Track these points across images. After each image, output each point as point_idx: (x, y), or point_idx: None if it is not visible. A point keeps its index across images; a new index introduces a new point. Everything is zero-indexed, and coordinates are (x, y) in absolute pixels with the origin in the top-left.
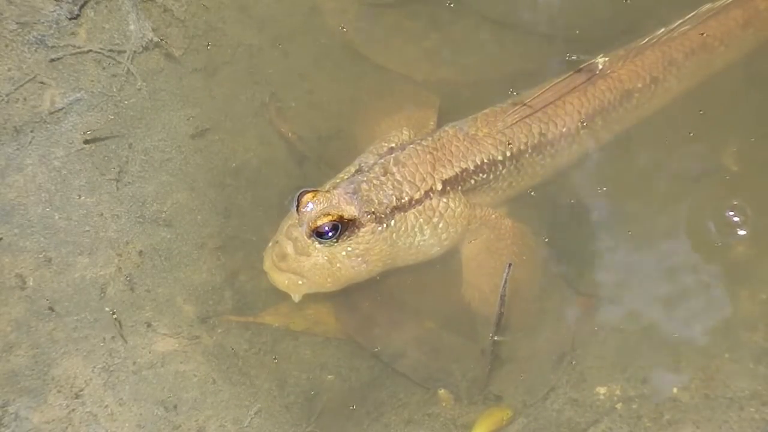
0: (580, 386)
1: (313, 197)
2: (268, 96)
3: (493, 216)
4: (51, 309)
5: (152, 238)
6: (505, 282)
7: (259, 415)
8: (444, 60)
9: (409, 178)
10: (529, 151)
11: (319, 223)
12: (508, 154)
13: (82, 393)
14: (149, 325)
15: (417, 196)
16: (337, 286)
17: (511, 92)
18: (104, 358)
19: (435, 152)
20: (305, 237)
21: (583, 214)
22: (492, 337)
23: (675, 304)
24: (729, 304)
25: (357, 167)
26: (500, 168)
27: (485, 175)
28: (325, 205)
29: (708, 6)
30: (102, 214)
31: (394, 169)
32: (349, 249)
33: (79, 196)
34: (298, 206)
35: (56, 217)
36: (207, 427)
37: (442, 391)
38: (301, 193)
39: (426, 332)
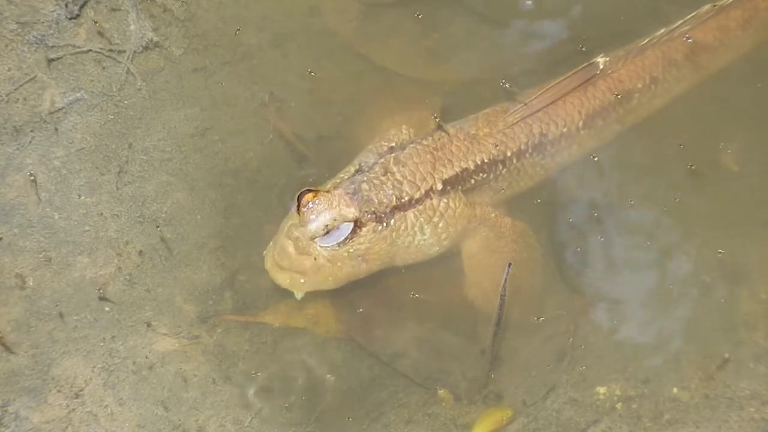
0: (580, 386)
1: (314, 197)
2: (268, 96)
3: (493, 215)
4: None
5: (152, 237)
6: (505, 282)
7: (259, 415)
8: (444, 60)
9: (409, 178)
10: (530, 151)
11: (325, 232)
12: (509, 153)
13: (82, 393)
14: (149, 325)
15: (417, 195)
16: (338, 284)
17: (503, 83)
18: (104, 358)
19: (435, 152)
20: (306, 237)
21: (583, 213)
22: (492, 336)
23: (675, 304)
24: (729, 304)
25: (357, 167)
26: (501, 168)
27: (486, 175)
28: (326, 206)
29: (708, 6)
30: (102, 214)
31: (395, 169)
32: (351, 249)
33: (79, 196)
34: (298, 206)
35: (56, 217)
36: (207, 427)
37: (442, 391)
38: (301, 193)
39: (426, 332)
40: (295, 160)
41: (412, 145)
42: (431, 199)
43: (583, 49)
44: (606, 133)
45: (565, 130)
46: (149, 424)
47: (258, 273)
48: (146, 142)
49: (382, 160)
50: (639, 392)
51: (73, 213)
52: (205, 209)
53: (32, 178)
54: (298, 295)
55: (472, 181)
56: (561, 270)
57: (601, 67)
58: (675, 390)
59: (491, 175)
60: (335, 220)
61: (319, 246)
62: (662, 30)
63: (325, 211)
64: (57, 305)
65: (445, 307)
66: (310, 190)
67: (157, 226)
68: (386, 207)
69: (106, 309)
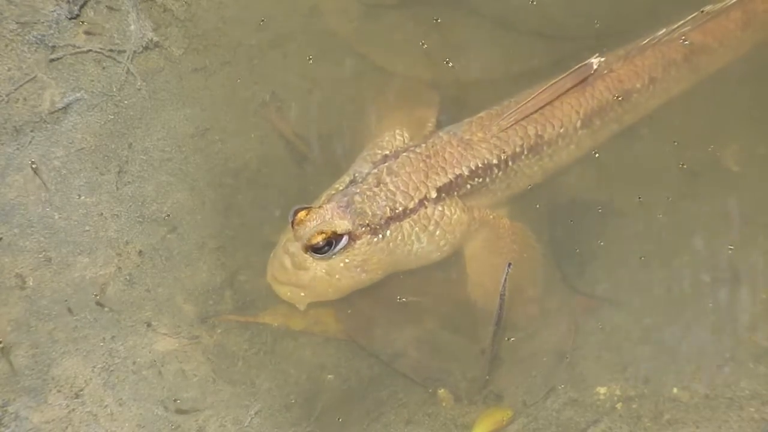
0: (580, 386)
1: (306, 214)
2: (268, 96)
3: (491, 217)
4: (69, 310)
5: (152, 237)
6: (505, 281)
7: (259, 415)
8: (444, 60)
9: (402, 188)
10: (525, 153)
11: (314, 241)
12: (504, 157)
13: (82, 393)
14: (149, 325)
15: (411, 205)
16: (340, 295)
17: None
18: (104, 358)
19: (428, 160)
20: (301, 252)
21: (582, 213)
22: (492, 336)
23: (675, 304)
24: (729, 304)
25: (351, 177)
26: (496, 171)
27: (481, 179)
28: (319, 221)
29: (708, 7)
30: (102, 214)
31: (387, 180)
32: (347, 261)
33: (79, 196)
34: (292, 223)
35: (56, 217)
36: (207, 427)
37: (442, 391)
38: (295, 211)
39: (426, 332)
40: (295, 160)
41: (404, 154)
42: (425, 207)
43: (583, 49)
44: (604, 133)
45: (562, 130)
46: (149, 424)
47: (258, 273)
48: (146, 142)
49: (375, 170)
50: (639, 392)
51: (73, 213)
52: (205, 209)
53: (34, 166)
54: (301, 307)
55: (468, 186)
56: (561, 270)
57: (596, 67)
58: (675, 390)
59: (487, 179)
60: (329, 233)
61: (314, 259)
62: (662, 30)
63: (319, 226)
64: (66, 301)
65: (445, 307)
66: (302, 208)
67: (168, 215)
68: (380, 219)
69: (106, 309)
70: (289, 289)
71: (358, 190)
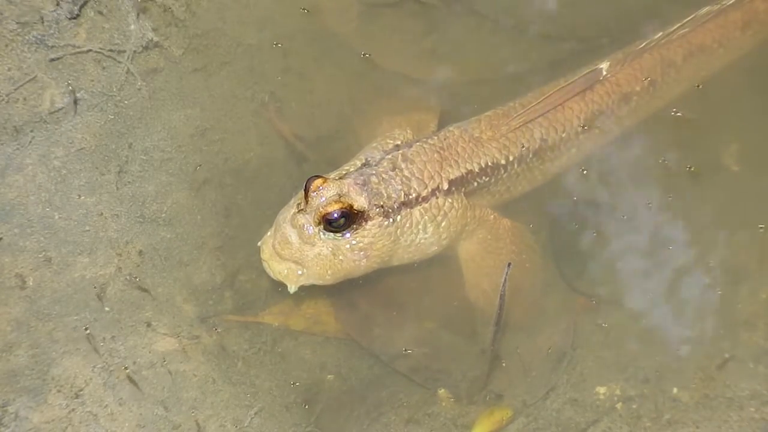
0: (580, 386)
1: (323, 183)
2: (268, 96)
3: (491, 216)
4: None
5: (152, 237)
6: (505, 282)
7: (259, 415)
8: (444, 60)
9: (417, 175)
10: (531, 156)
11: (330, 209)
12: (511, 158)
13: (82, 393)
14: (149, 325)
15: (424, 193)
16: (335, 280)
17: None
18: (104, 358)
19: (442, 151)
20: (312, 224)
21: (583, 213)
22: (492, 336)
23: (675, 304)
24: (729, 304)
25: (363, 161)
26: (502, 172)
27: (488, 179)
28: (335, 191)
29: (707, 8)
30: (102, 214)
31: (403, 165)
32: (353, 242)
33: (79, 196)
34: (306, 191)
35: (56, 217)
36: (207, 427)
37: (442, 391)
38: (310, 179)
39: (426, 332)
40: (295, 160)
41: (418, 143)
42: (437, 198)
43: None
44: (605, 136)
45: (564, 135)
46: (149, 424)
47: (258, 273)
48: (146, 142)
49: (389, 156)
50: (639, 392)
51: (73, 213)
52: (205, 209)
53: (71, 89)
54: (292, 289)
55: (475, 183)
56: (561, 270)
57: (605, 73)
58: (675, 390)
59: (492, 179)
60: (345, 204)
61: (323, 234)
62: (660, 33)
63: (335, 196)
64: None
65: (445, 307)
66: (318, 176)
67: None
68: (394, 202)
69: (106, 309)
70: (286, 266)
71: (374, 172)
